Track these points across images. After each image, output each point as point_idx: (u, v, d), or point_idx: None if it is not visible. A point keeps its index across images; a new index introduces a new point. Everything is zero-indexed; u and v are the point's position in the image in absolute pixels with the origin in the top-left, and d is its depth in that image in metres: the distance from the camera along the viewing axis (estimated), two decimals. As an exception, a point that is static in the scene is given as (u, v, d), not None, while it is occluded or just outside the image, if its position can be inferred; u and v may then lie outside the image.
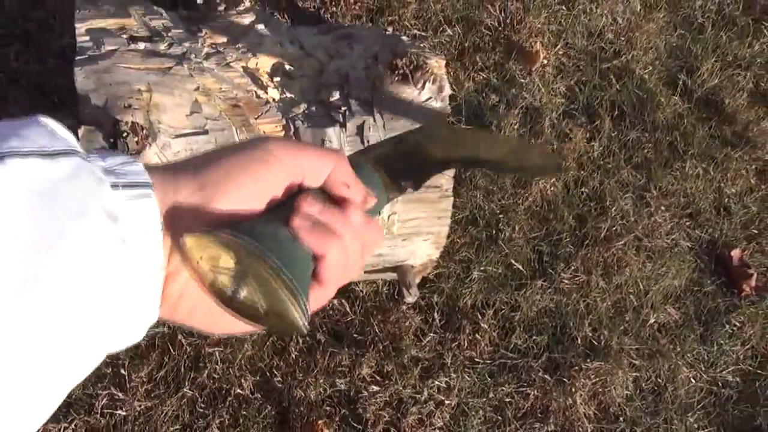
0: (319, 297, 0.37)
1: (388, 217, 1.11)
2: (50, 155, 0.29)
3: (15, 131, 0.29)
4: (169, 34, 1.07)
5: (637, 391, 1.50)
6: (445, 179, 1.12)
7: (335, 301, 1.42)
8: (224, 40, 1.12)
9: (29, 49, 1.50)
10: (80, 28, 1.00)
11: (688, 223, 1.67)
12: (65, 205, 0.28)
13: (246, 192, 0.35)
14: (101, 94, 0.95)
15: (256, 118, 1.05)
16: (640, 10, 1.86)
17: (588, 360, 1.48)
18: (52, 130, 0.30)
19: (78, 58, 0.98)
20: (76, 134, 0.95)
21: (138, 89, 0.97)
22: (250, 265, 0.33)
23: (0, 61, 1.46)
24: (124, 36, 1.02)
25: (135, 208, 0.31)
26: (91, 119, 0.95)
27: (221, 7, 1.18)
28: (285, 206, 0.37)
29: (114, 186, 0.31)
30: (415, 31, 1.68)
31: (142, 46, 1.02)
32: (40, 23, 1.52)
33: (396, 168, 0.46)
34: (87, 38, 1.00)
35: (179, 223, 0.33)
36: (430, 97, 1.07)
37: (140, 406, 1.28)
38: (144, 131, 0.94)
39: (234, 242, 0.33)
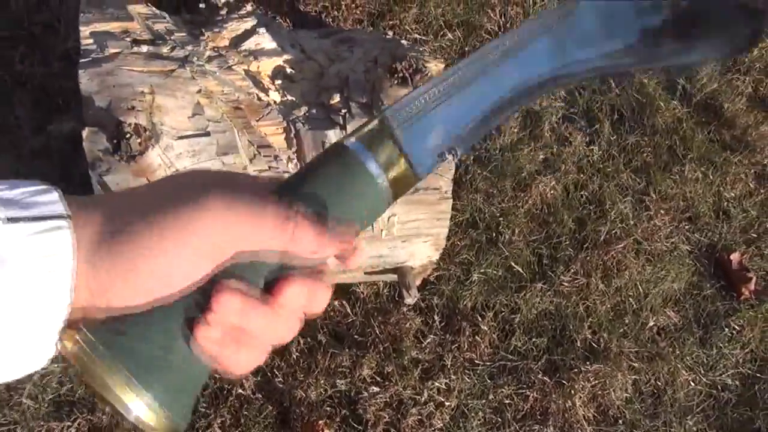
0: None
1: (388, 218, 1.12)
2: None
3: None
4: (172, 38, 1.08)
5: (637, 394, 1.50)
6: (444, 181, 1.13)
7: (336, 303, 1.43)
8: (226, 43, 1.14)
9: (34, 51, 1.51)
10: (84, 31, 1.02)
11: (687, 227, 1.68)
12: None
13: (151, 286, 0.30)
14: (105, 96, 0.97)
15: (257, 120, 1.06)
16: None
17: (587, 362, 1.48)
18: None
19: (82, 60, 0.99)
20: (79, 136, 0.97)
21: (141, 91, 0.98)
22: (102, 386, 0.31)
23: (5, 63, 1.48)
24: (128, 39, 1.03)
25: (39, 243, 0.28)
26: (95, 121, 0.96)
27: (223, 11, 1.19)
28: (203, 291, 0.32)
29: (12, 220, 0.28)
30: (416, 35, 1.70)
31: (145, 49, 1.03)
32: (45, 26, 1.54)
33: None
34: (91, 41, 1.01)
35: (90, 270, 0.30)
36: (430, 100, 1.08)
37: (142, 405, 1.29)
38: (147, 133, 0.96)
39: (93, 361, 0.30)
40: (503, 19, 1.77)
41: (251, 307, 0.32)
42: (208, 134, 1.02)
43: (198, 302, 0.32)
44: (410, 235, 1.16)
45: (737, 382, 1.56)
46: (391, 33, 1.50)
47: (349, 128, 1.07)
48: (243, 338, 0.32)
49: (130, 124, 0.95)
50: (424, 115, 0.38)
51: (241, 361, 0.32)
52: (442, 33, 1.71)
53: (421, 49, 1.19)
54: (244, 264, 0.33)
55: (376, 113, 0.40)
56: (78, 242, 0.29)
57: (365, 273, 1.25)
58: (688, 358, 1.55)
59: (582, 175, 1.66)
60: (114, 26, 1.03)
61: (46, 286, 0.28)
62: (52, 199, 0.30)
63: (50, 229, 0.28)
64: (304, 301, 0.34)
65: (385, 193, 0.37)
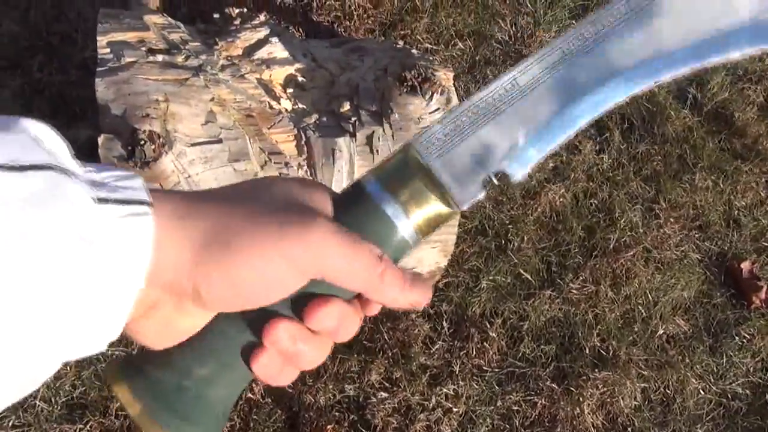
0: None
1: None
2: (19, 169, 0.25)
3: None
4: (187, 47, 1.11)
5: (646, 402, 1.50)
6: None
7: (345, 309, 1.44)
8: (239, 52, 1.16)
9: (52, 60, 1.55)
10: (102, 40, 1.04)
11: (697, 235, 1.68)
12: (24, 228, 0.25)
13: (267, 270, 0.32)
14: (120, 104, 0.99)
15: (268, 128, 1.08)
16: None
17: (596, 370, 1.49)
18: (35, 138, 0.27)
19: (99, 69, 1.02)
20: (94, 144, 0.99)
21: (156, 99, 1.01)
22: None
23: (24, 72, 1.52)
24: (143, 48, 1.06)
25: (125, 227, 0.29)
26: (111, 128, 0.98)
27: (237, 21, 1.22)
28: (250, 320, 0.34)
29: (102, 200, 0.28)
30: (427, 45, 1.72)
31: (160, 58, 1.06)
32: (63, 36, 1.57)
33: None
34: (108, 50, 1.04)
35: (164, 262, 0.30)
36: (438, 108, 1.10)
37: (154, 408, 1.30)
38: (161, 140, 0.98)
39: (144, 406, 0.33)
40: (513, 28, 1.79)
41: (302, 337, 0.34)
42: (220, 141, 1.04)
43: (250, 327, 0.34)
44: (419, 242, 1.17)
45: (747, 391, 1.55)
46: (402, 43, 1.52)
47: (359, 136, 1.09)
48: (293, 365, 0.34)
49: (144, 131, 0.97)
50: (460, 140, 0.36)
51: (281, 380, 0.35)
52: (453, 43, 1.73)
53: (430, 58, 1.20)
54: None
55: (402, 146, 0.36)
56: (183, 233, 0.31)
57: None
58: (697, 366, 1.55)
59: (591, 184, 1.67)
60: (130, 36, 1.06)
61: (124, 270, 0.29)
62: (137, 185, 0.30)
63: (136, 213, 0.29)
64: (337, 322, 0.34)
65: (407, 232, 0.36)
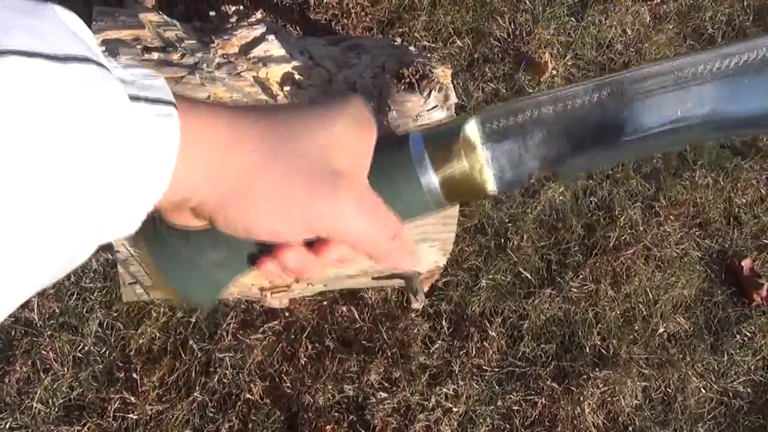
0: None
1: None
2: (61, 59, 0.25)
3: (25, 22, 0.24)
4: (182, 45, 1.10)
5: (647, 401, 1.49)
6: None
7: (344, 308, 1.43)
8: (235, 50, 1.15)
9: (48, 60, 1.54)
10: (97, 38, 1.03)
11: (697, 233, 1.67)
12: (66, 119, 0.25)
13: (284, 224, 0.34)
14: (115, 102, 0.98)
15: (265, 126, 1.07)
16: (650, 21, 1.88)
17: (597, 369, 1.48)
18: (71, 30, 0.26)
19: (94, 67, 1.01)
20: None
21: (151, 98, 1.00)
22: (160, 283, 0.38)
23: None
24: (139, 47, 1.05)
25: (153, 127, 0.29)
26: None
27: (233, 19, 1.21)
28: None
29: (134, 98, 0.28)
30: (425, 43, 1.71)
31: (155, 56, 1.05)
32: (59, 35, 1.56)
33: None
34: (103, 48, 1.03)
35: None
36: (436, 106, 1.09)
37: (152, 410, 1.30)
38: (156, 138, 0.97)
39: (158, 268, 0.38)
40: (512, 26, 1.78)
41: (307, 258, 0.36)
42: (216, 140, 1.03)
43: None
44: (417, 240, 1.16)
45: (749, 389, 1.55)
46: (400, 40, 1.51)
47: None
48: (288, 273, 0.38)
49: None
50: (525, 127, 0.36)
51: (278, 281, 0.38)
52: (451, 40, 1.72)
53: (428, 55, 1.19)
54: None
55: (466, 114, 0.38)
56: (219, 167, 0.32)
57: (372, 278, 1.25)
58: (698, 364, 1.54)
59: (591, 181, 1.66)
60: (125, 34, 1.05)
61: (153, 167, 0.29)
62: (162, 85, 0.30)
63: (164, 114, 0.29)
64: (342, 257, 0.37)
65: (430, 195, 0.37)
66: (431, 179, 0.36)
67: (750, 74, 0.34)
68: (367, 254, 0.36)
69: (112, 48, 1.02)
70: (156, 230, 0.36)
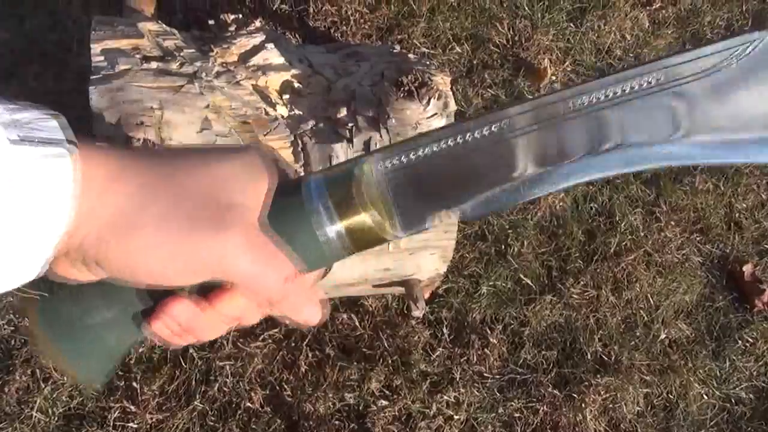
0: None
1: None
2: None
3: None
4: (181, 54, 1.10)
5: (648, 408, 1.49)
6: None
7: (344, 316, 1.43)
8: (235, 59, 1.15)
9: (48, 69, 1.54)
10: (95, 48, 1.03)
11: (698, 239, 1.67)
12: None
13: (168, 269, 0.32)
14: (114, 112, 0.98)
15: (265, 135, 1.07)
16: (649, 26, 1.88)
17: (598, 375, 1.47)
18: None
19: (93, 77, 1.01)
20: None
21: (150, 107, 1.00)
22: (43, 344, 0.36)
23: (19, 80, 1.51)
24: (138, 56, 1.05)
25: (42, 167, 0.28)
26: (105, 136, 0.97)
27: (232, 28, 1.21)
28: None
29: (17, 141, 0.27)
30: (424, 49, 1.71)
31: (154, 65, 1.05)
32: (59, 44, 1.56)
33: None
34: (102, 58, 1.03)
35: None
36: (436, 113, 1.09)
37: (152, 419, 1.29)
38: (156, 148, 0.97)
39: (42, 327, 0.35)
40: (511, 32, 1.78)
41: (198, 313, 0.35)
42: (216, 149, 1.03)
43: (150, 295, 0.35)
44: (417, 248, 1.16)
45: (751, 396, 1.54)
46: (399, 47, 1.51)
47: (356, 141, 1.08)
48: (185, 336, 0.36)
49: (139, 140, 0.96)
50: (422, 167, 0.34)
51: (172, 344, 0.36)
52: (450, 47, 1.72)
53: (427, 62, 1.19)
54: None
55: (358, 157, 0.36)
56: (103, 201, 0.31)
57: (373, 286, 1.25)
58: (700, 371, 1.54)
59: (591, 187, 1.66)
60: (124, 43, 1.05)
61: (45, 210, 0.28)
62: (54, 126, 0.29)
63: (54, 155, 0.28)
64: (239, 313, 0.35)
65: (332, 240, 0.35)
66: (329, 228, 0.34)
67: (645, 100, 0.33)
68: (260, 299, 0.34)
69: (111, 58, 1.02)
70: (48, 290, 0.35)
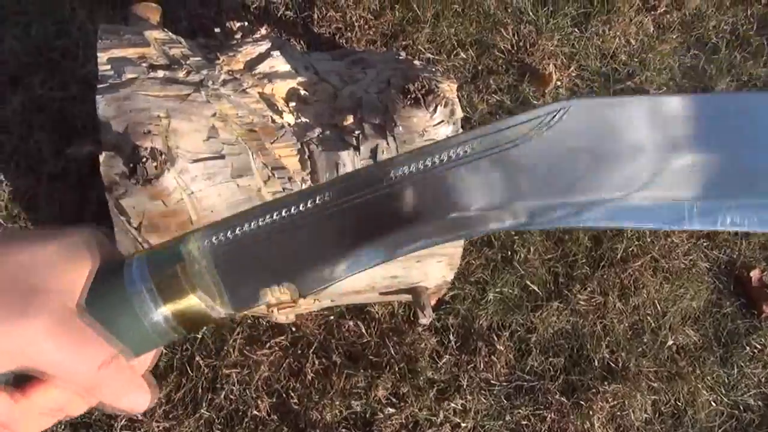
0: None
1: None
2: None
3: None
4: (188, 62, 1.10)
5: (656, 415, 1.48)
6: (458, 201, 1.13)
7: (351, 323, 1.42)
8: (241, 66, 1.15)
9: (53, 76, 1.54)
10: (102, 57, 1.03)
11: (705, 244, 1.66)
12: None
13: None
14: (122, 120, 0.98)
15: (271, 143, 1.07)
16: (653, 31, 1.87)
17: (606, 382, 1.47)
18: None
19: (100, 86, 1.01)
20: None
21: (157, 116, 1.00)
22: None
23: (25, 88, 1.51)
24: (144, 64, 1.05)
25: None
26: (112, 145, 0.97)
27: (238, 35, 1.21)
28: None
29: None
30: (429, 55, 1.71)
31: (161, 74, 1.05)
32: (65, 51, 1.56)
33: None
34: (108, 67, 1.03)
35: None
36: (442, 121, 1.09)
37: (158, 427, 1.29)
38: (163, 156, 0.97)
39: None
40: (516, 37, 1.78)
41: (10, 407, 0.32)
42: (222, 157, 1.03)
43: None
44: (424, 255, 1.15)
45: (760, 402, 1.53)
46: (404, 53, 1.50)
47: (363, 149, 1.08)
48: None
49: (146, 148, 0.96)
50: (255, 241, 0.34)
51: None
52: (455, 52, 1.72)
53: (433, 69, 1.19)
54: None
55: (183, 234, 0.34)
56: None
57: (380, 293, 1.25)
58: (708, 377, 1.53)
59: (597, 193, 1.65)
60: (131, 52, 1.05)
61: None
62: None
63: None
64: (58, 404, 0.33)
65: (158, 323, 0.33)
66: (153, 312, 0.33)
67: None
68: (75, 388, 0.32)
69: (118, 66, 1.02)
70: None
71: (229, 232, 0.34)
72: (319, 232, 0.34)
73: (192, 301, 0.33)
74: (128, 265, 0.34)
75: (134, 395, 0.34)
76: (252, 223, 0.34)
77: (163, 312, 0.33)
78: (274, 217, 0.34)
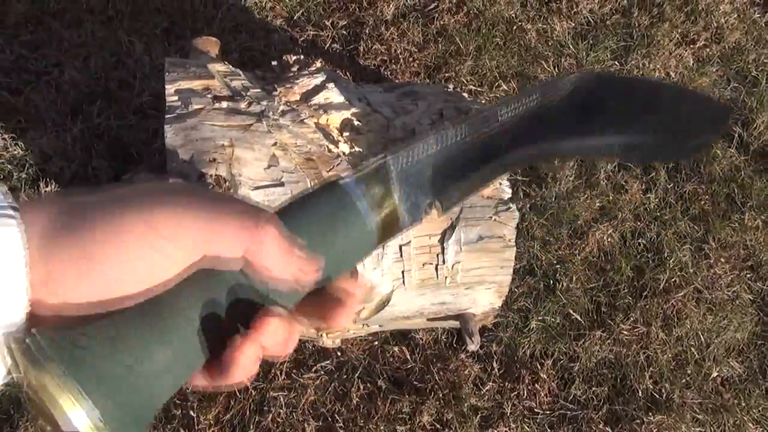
0: (226, 383, 0.33)
1: (453, 266, 1.14)
2: None
3: None
4: (248, 94, 1.15)
5: (702, 447, 1.47)
6: (507, 229, 1.15)
7: (395, 349, 1.44)
8: (297, 98, 1.20)
9: (111, 105, 1.61)
10: (170, 89, 1.09)
11: (749, 275, 1.66)
12: None
13: (109, 277, 0.29)
14: (188, 149, 1.03)
15: (328, 171, 1.11)
16: (693, 64, 1.89)
17: (650, 413, 1.46)
18: None
19: (167, 116, 1.06)
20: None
21: (222, 144, 1.04)
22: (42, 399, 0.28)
23: (85, 117, 1.57)
24: (209, 96, 1.10)
25: None
26: (179, 172, 1.02)
27: (294, 68, 1.26)
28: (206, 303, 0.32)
29: None
30: (471, 87, 1.75)
31: (224, 104, 1.10)
32: (122, 82, 1.63)
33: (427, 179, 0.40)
34: (176, 98, 1.08)
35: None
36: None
37: (207, 448, 1.31)
38: (227, 183, 1.01)
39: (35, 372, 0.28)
40: (556, 70, 1.81)
41: (291, 333, 0.33)
42: (282, 184, 1.07)
43: (230, 312, 0.32)
44: (474, 283, 1.18)
45: (808, 437, 1.51)
46: (452, 86, 1.55)
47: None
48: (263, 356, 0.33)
49: (211, 176, 1.00)
50: (419, 167, 0.39)
51: (251, 371, 0.33)
52: (496, 84, 1.76)
53: (483, 102, 1.23)
54: (219, 280, 0.33)
55: (379, 157, 0.40)
56: (30, 234, 0.29)
57: (428, 319, 1.27)
58: (754, 410, 1.51)
59: (639, 223, 1.66)
60: (196, 84, 1.10)
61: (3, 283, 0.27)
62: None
63: (3, 224, 0.27)
64: (279, 339, 0.33)
65: (371, 236, 0.37)
66: (368, 219, 0.37)
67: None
68: (241, 241, 0.32)
69: (184, 97, 1.08)
70: (67, 342, 0.29)
71: (408, 157, 0.39)
72: (459, 158, 0.41)
73: (392, 209, 0.38)
74: (342, 182, 0.37)
75: (341, 309, 0.36)
76: (420, 151, 0.40)
77: (375, 219, 0.37)
78: (434, 146, 0.40)
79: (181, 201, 0.31)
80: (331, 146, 1.14)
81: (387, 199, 0.38)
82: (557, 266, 1.57)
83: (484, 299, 1.21)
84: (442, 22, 1.81)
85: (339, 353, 1.44)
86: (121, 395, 0.29)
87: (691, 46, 1.91)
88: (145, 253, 0.30)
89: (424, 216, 0.40)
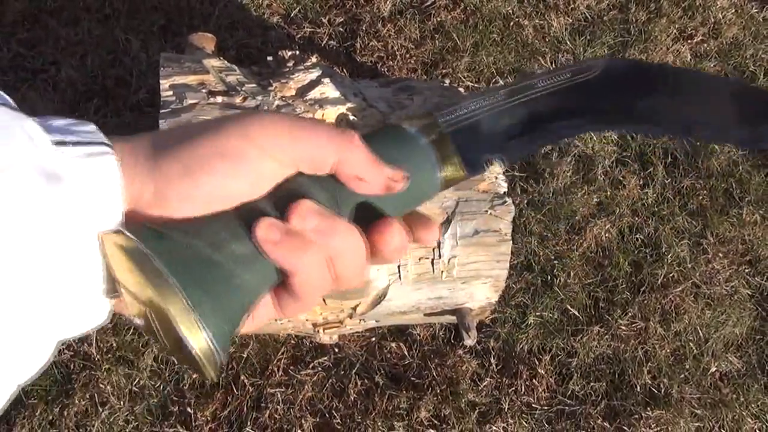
0: (296, 308, 0.33)
1: (449, 260, 1.14)
2: None
3: None
4: (243, 89, 1.15)
5: (700, 442, 1.46)
6: (503, 224, 1.15)
7: (393, 345, 1.44)
8: (293, 93, 1.19)
9: (107, 103, 1.61)
10: (165, 84, 1.08)
11: (747, 270, 1.65)
12: None
13: (210, 191, 0.30)
14: (183, 143, 1.03)
15: (323, 166, 1.11)
16: (691, 60, 1.89)
17: (648, 408, 1.46)
18: None
19: (162, 111, 1.06)
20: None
21: (216, 139, 1.04)
22: (154, 293, 0.28)
23: (81, 115, 1.57)
24: (204, 90, 1.10)
25: (88, 166, 0.28)
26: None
27: (290, 63, 1.25)
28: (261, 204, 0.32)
29: (59, 143, 0.28)
30: (468, 83, 1.74)
31: (219, 99, 1.10)
32: (118, 79, 1.63)
33: (480, 135, 0.40)
34: (170, 93, 1.08)
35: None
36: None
37: (204, 444, 1.31)
38: (221, 178, 1.01)
39: (139, 257, 0.28)
40: (553, 66, 1.81)
41: (331, 224, 0.32)
42: (277, 179, 1.07)
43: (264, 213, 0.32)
44: (470, 277, 1.17)
45: (807, 432, 1.51)
46: (448, 82, 1.55)
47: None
48: (304, 243, 0.31)
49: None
50: (474, 121, 0.40)
51: (307, 266, 0.31)
52: (493, 80, 1.76)
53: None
54: (321, 188, 0.33)
55: (425, 112, 0.40)
56: (137, 153, 0.30)
57: (425, 315, 1.26)
58: (753, 405, 1.51)
59: (637, 219, 1.66)
60: (191, 79, 1.10)
61: (98, 207, 0.28)
62: (91, 129, 0.30)
63: (96, 153, 0.28)
64: (397, 244, 0.34)
65: (436, 179, 0.38)
66: (436, 165, 0.38)
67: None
68: (333, 148, 0.33)
69: (179, 92, 1.07)
70: (153, 232, 0.29)
71: (456, 112, 0.40)
72: (497, 121, 0.41)
73: (457, 161, 0.38)
74: (407, 129, 0.38)
75: (430, 223, 0.37)
76: (467, 109, 0.40)
77: (438, 163, 0.38)
78: (478, 105, 0.41)
79: (274, 116, 0.33)
80: (327, 141, 1.14)
81: (446, 145, 0.38)
82: (555, 262, 1.57)
83: (480, 294, 1.21)
84: (438, 19, 1.81)
85: (336, 349, 1.43)
86: (203, 281, 0.29)
87: (689, 41, 1.91)
88: (246, 164, 0.31)
89: (487, 167, 0.41)
